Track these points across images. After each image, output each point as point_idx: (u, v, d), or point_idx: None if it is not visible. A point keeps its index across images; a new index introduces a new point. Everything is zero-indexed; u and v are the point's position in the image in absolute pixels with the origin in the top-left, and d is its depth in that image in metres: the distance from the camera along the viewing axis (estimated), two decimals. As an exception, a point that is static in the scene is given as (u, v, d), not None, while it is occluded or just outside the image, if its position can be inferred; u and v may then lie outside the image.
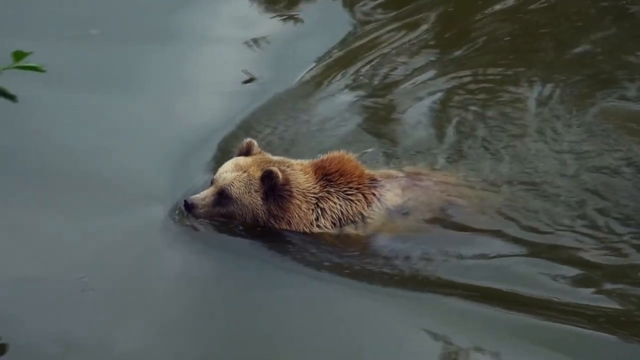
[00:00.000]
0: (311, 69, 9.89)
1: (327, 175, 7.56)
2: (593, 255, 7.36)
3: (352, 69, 9.92)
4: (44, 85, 8.00)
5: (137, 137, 8.54)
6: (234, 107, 9.02)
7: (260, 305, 6.90)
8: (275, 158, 7.63)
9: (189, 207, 7.38)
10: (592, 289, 7.04)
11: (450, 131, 8.79)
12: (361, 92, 9.54)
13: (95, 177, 7.96)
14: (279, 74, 9.71)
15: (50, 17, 10.18)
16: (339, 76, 9.80)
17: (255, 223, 7.46)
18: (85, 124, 8.67)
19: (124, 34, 9.94)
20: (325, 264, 7.27)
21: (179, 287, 7.07)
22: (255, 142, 7.65)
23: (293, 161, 7.62)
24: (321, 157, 7.68)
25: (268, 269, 7.28)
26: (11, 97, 5.42)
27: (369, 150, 8.48)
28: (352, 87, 9.63)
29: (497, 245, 7.44)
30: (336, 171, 7.57)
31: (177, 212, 7.58)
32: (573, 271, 7.20)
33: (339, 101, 9.36)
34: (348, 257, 7.35)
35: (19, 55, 5.30)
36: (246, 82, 9.60)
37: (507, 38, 10.33)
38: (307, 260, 7.31)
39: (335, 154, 7.67)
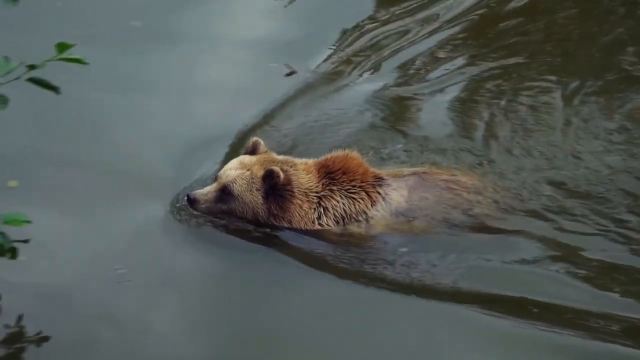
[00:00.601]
0: (331, 61, 9.86)
1: (330, 174, 7.53)
2: (624, 258, 7.21)
3: (373, 61, 9.88)
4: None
5: (151, 134, 8.64)
6: (249, 103, 9.06)
7: (267, 302, 6.97)
8: (280, 157, 7.63)
9: (191, 201, 7.44)
10: (617, 294, 6.89)
11: (476, 128, 8.67)
12: (383, 84, 9.45)
13: (112, 172, 8.09)
14: (300, 68, 9.73)
15: (93, 9, 10.36)
16: (359, 69, 9.75)
17: (256, 221, 7.49)
18: (105, 119, 8.81)
19: (137, 34, 10.04)
20: (331, 263, 7.26)
21: (191, 282, 7.16)
22: (261, 142, 7.67)
23: (297, 160, 7.60)
24: (325, 156, 7.65)
25: (274, 266, 7.32)
26: (54, 89, 5.59)
27: (398, 146, 8.43)
28: (374, 79, 9.58)
29: (511, 250, 7.30)
30: (339, 169, 7.53)
31: (178, 206, 7.65)
32: (597, 276, 7.05)
33: (360, 95, 9.29)
34: (353, 256, 7.31)
35: (62, 47, 5.49)
36: (288, 74, 9.61)
37: (536, 33, 10.12)
38: (311, 258, 7.31)
39: (339, 152, 7.63)
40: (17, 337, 6.42)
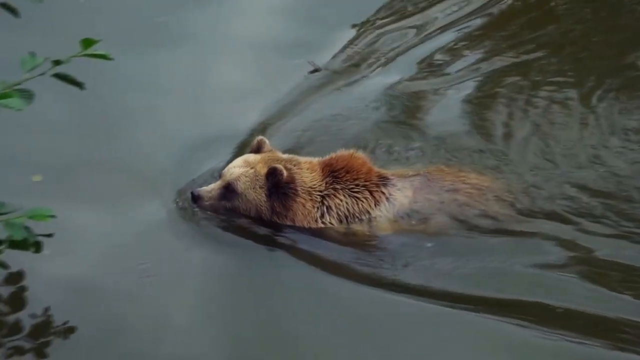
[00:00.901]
0: (345, 58, 9.83)
1: (333, 172, 7.53)
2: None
3: (389, 56, 9.83)
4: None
5: (167, 133, 8.69)
6: (266, 101, 9.09)
7: (269, 301, 7.01)
8: (284, 156, 7.65)
9: (195, 198, 7.49)
10: (629, 297, 6.82)
11: (492, 126, 8.59)
12: (399, 80, 9.39)
13: (131, 170, 8.16)
14: (319, 63, 9.76)
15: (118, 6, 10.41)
16: (374, 64, 9.72)
17: (259, 219, 7.52)
18: (126, 118, 8.87)
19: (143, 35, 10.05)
20: (335, 262, 7.28)
21: (203, 279, 7.24)
22: (266, 140, 7.70)
23: (301, 159, 7.62)
24: (330, 155, 7.65)
25: (277, 265, 7.36)
26: (79, 85, 5.66)
27: (416, 145, 8.39)
28: (390, 75, 9.50)
29: (521, 252, 7.21)
30: (343, 168, 7.53)
31: (181, 203, 7.72)
32: (613, 280, 6.97)
33: (376, 91, 9.23)
34: (356, 256, 7.32)
35: (87, 42, 5.56)
36: (312, 72, 9.63)
37: (554, 30, 9.98)
38: (315, 257, 7.34)
39: (344, 151, 7.63)
40: (43, 328, 6.52)
